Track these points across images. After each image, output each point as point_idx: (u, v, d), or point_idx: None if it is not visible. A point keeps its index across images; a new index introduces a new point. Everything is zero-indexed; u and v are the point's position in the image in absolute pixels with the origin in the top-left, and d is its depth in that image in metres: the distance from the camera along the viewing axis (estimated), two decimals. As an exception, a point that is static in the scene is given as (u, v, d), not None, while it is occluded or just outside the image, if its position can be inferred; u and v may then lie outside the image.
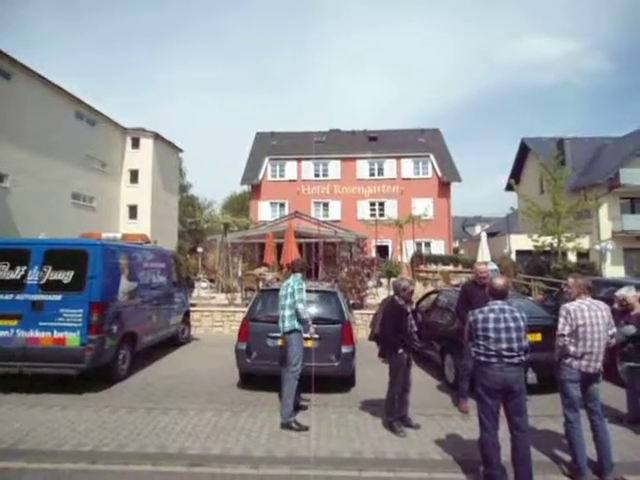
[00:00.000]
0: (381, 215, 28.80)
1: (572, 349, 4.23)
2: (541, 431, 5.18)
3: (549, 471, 4.28)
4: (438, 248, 29.66)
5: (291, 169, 32.31)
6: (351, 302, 12.13)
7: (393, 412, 5.29)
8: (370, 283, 15.17)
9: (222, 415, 5.62)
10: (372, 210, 30.78)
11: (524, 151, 34.18)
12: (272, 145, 33.65)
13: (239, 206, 48.66)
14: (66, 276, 6.69)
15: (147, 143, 34.31)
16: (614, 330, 4.45)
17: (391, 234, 21.60)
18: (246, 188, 34.48)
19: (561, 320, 4.31)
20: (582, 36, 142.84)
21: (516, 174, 34.38)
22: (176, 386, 6.97)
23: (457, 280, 16.73)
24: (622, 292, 5.74)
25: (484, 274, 6.28)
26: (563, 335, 4.25)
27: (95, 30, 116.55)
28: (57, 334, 6.51)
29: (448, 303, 7.91)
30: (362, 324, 11.55)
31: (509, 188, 30.48)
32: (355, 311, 11.71)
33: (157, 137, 34.91)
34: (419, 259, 22.04)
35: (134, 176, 33.88)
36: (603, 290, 8.26)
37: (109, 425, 5.25)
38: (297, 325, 5.52)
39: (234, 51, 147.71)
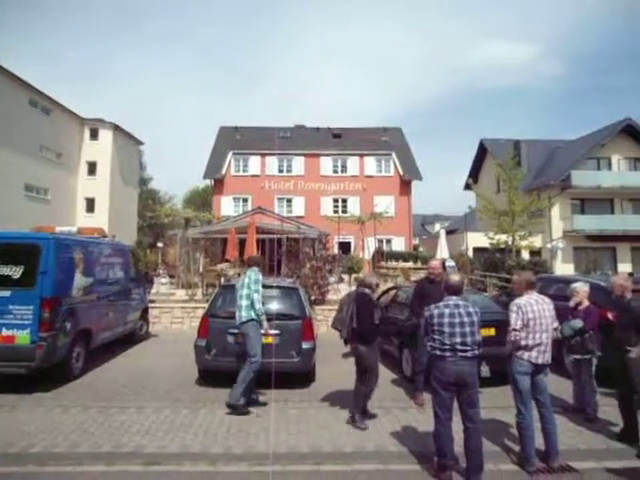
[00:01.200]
0: (344, 212, 29.03)
1: (523, 342, 4.40)
2: (493, 422, 5.37)
3: (500, 460, 4.45)
4: (399, 245, 30.17)
5: (255, 164, 32.03)
6: (313, 298, 12.20)
7: (362, 406, 5.42)
8: (332, 279, 15.29)
9: (180, 412, 5.56)
10: (335, 207, 30.97)
11: (482, 152, 35.24)
12: (236, 140, 33.24)
13: (201, 201, 47.91)
14: (16, 271, 6.43)
15: (106, 134, 33.16)
16: (557, 324, 4.68)
17: (353, 231, 21.87)
18: (209, 183, 33.95)
19: (513, 315, 4.48)
20: (538, 41, 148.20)
21: (474, 174, 35.46)
22: (133, 384, 6.83)
23: (416, 276, 17.07)
24: (577, 285, 6.03)
25: (435, 270, 6.46)
26: (516, 329, 4.42)
27: (51, 16, 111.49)
28: (6, 332, 6.25)
29: (407, 299, 8.06)
30: (323, 320, 11.64)
31: (467, 187, 31.37)
32: (317, 307, 11.80)
33: (117, 128, 33.80)
34: (380, 255, 22.37)
35: (92, 168, 32.69)
36: (553, 287, 8.64)
37: (61, 425, 5.09)
38: (253, 315, 5.64)
39: (198, 44, 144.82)
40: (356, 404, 5.40)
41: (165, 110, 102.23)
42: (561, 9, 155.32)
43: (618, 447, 4.77)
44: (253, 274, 5.83)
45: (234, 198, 31.42)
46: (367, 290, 5.67)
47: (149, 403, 5.87)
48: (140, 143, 39.15)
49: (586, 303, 5.81)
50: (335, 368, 7.88)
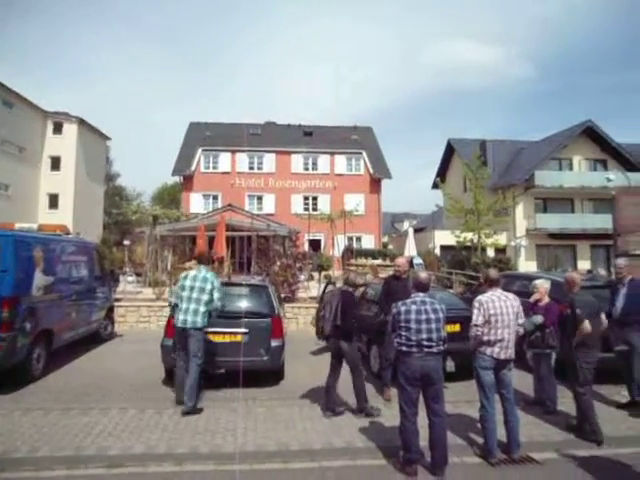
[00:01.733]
0: (314, 210, 29.05)
1: (485, 337, 4.52)
2: (458, 416, 5.50)
3: (463, 453, 4.56)
4: (368, 243, 30.45)
5: (225, 161, 31.68)
6: (283, 296, 12.19)
7: (366, 396, 5.55)
8: (302, 277, 15.30)
9: (145, 413, 5.46)
10: (306, 204, 30.95)
11: (450, 151, 35.91)
12: (206, 136, 32.75)
13: (170, 198, 47.02)
14: (-29, 270, 6.17)
15: (71, 129, 32.04)
16: (523, 320, 4.78)
17: (324, 228, 21.92)
18: (178, 179, 33.38)
19: (475, 311, 4.60)
20: (507, 44, 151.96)
21: (442, 173, 36.12)
22: (97, 384, 6.67)
23: (385, 274, 17.29)
24: (537, 282, 6.25)
25: (400, 267, 6.62)
26: (477, 325, 4.53)
27: (18, 8, 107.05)
28: (-38, 333, 5.99)
29: (375, 296, 8.16)
30: (293, 317, 11.67)
31: (435, 186, 31.88)
32: (287, 305, 11.80)
33: (82, 123, 32.72)
34: (350, 253, 22.51)
35: (55, 163, 31.50)
36: (517, 283, 8.90)
37: (20, 429, 4.92)
38: (206, 322, 5.70)
39: (169, 40, 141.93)
40: (361, 397, 5.56)
41: (134, 105, 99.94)
42: (531, 14, 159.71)
43: (575, 438, 4.95)
44: (216, 281, 5.81)
45: (204, 195, 31.01)
46: (351, 289, 5.82)
47: (113, 404, 5.74)
48: (107, 138, 38.05)
49: (546, 299, 6.02)
50: (304, 365, 7.91)
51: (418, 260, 17.71)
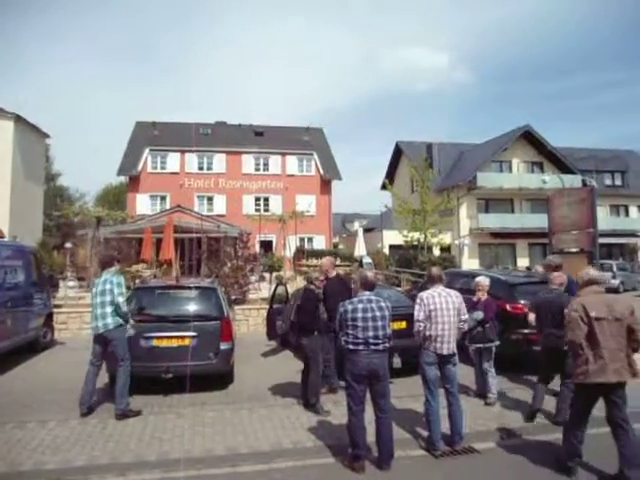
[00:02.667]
0: (266, 210, 28.91)
1: (427, 333, 4.68)
2: (404, 410, 5.65)
3: (409, 447, 4.69)
4: (320, 243, 30.64)
5: (173, 161, 30.86)
6: (233, 297, 12.06)
7: (317, 394, 5.69)
8: (253, 278, 15.21)
9: (88, 423, 5.26)
10: (257, 205, 30.72)
11: (398, 153, 36.84)
12: (153, 135, 31.75)
13: (115, 199, 45.25)
14: None
15: (6, 125, 29.98)
16: (466, 316, 4.94)
17: (275, 229, 21.84)
18: (123, 180, 32.21)
19: (416, 307, 4.76)
20: (451, 50, 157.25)
21: (391, 174, 37.01)
22: (35, 395, 6.33)
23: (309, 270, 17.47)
24: (478, 279, 6.56)
25: (325, 267, 7.00)
26: (419, 320, 4.69)
27: None
28: None
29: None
30: (244, 319, 11.58)
31: (384, 187, 32.59)
32: (237, 306, 11.69)
33: (19, 119, 30.76)
34: (301, 254, 22.59)
35: (-11, 162, 29.54)
36: (460, 280, 9.27)
37: (-52, 446, 4.62)
38: (121, 320, 5.63)
39: (114, 36, 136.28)
40: (311, 392, 5.68)
41: (77, 102, 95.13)
42: (474, 21, 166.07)
43: (514, 427, 5.21)
44: (115, 278, 5.74)
45: (151, 196, 30.09)
46: (312, 286, 6.00)
47: (53, 415, 5.48)
48: (46, 136, 36.03)
49: (485, 296, 6.33)
50: (255, 368, 7.89)
51: (367, 259, 18.06)
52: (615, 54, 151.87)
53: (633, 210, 34.47)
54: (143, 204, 29.60)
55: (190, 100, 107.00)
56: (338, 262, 21.58)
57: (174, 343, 6.30)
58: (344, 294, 5.92)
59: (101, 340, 5.63)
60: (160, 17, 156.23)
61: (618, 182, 34.87)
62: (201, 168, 31.14)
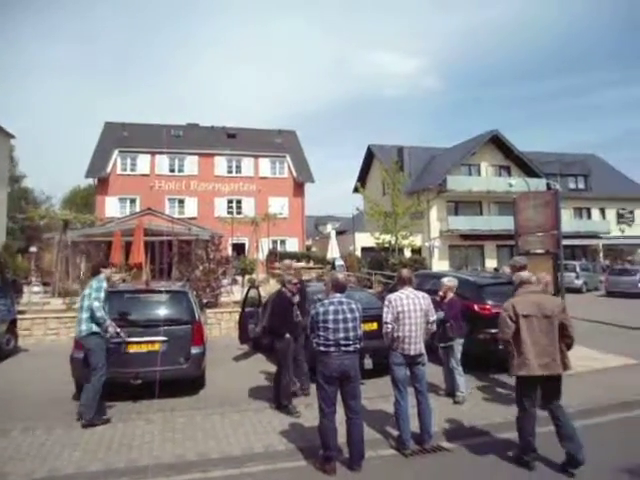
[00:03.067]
0: (238, 213, 28.73)
1: (395, 334, 4.76)
2: (375, 411, 5.71)
3: (380, 447, 4.76)
4: (292, 246, 30.62)
5: (144, 163, 30.29)
6: (205, 301, 11.95)
7: (289, 395, 5.72)
8: (225, 281, 15.08)
9: (53, 432, 5.11)
10: (230, 208, 30.49)
11: (370, 156, 37.19)
12: (123, 137, 31.09)
13: (83, 201, 44.09)
14: None
15: (-32, 126, 28.97)
16: (434, 317, 5.01)
17: (248, 232, 21.72)
18: (92, 182, 31.42)
19: (385, 309, 4.84)
20: (421, 56, 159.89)
21: (363, 177, 37.38)
22: (-4, 405, 6.12)
23: (308, 276, 17.53)
24: (444, 280, 6.72)
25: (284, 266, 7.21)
26: (387, 322, 4.77)
27: None
28: None
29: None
30: (216, 323, 11.47)
31: (356, 190, 32.86)
32: (209, 310, 11.58)
33: (-21, 119, 29.73)
34: (274, 256, 22.55)
35: (-52, 164, 28.35)
36: (430, 282, 9.43)
37: None
38: (95, 328, 5.47)
39: (83, 35, 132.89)
40: (282, 394, 5.73)
41: (43, 102, 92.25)
42: (444, 27, 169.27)
43: (482, 425, 5.32)
44: (95, 282, 5.64)
45: (120, 199, 29.46)
46: (284, 289, 6.03)
47: (15, 424, 5.29)
48: (11, 136, 34.84)
49: (450, 295, 6.48)
50: (227, 372, 7.83)
51: (340, 262, 18.17)
52: (580, 62, 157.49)
53: (595, 213, 35.76)
54: (112, 207, 28.97)
55: (161, 102, 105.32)
56: (311, 264, 21.69)
57: (143, 348, 6.20)
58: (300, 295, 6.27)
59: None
60: (128, 19, 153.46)
61: (581, 185, 36.12)
62: (172, 170, 30.70)
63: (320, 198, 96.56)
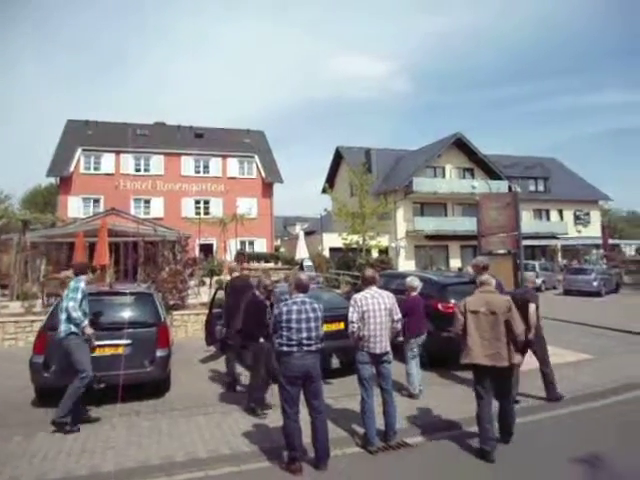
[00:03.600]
0: (206, 213, 28.40)
1: (360, 333, 4.83)
2: (341, 410, 5.78)
3: (345, 445, 4.82)
4: (261, 246, 30.47)
5: (108, 162, 29.47)
6: (171, 303, 11.79)
7: (257, 398, 5.71)
8: (192, 282, 14.90)
9: (10, 440, 4.94)
10: (197, 208, 30.10)
11: (338, 158, 37.45)
12: (86, 135, 30.15)
13: (44, 201, 42.58)
14: None
15: None
16: (399, 316, 5.09)
17: (216, 233, 21.55)
18: (53, 181, 30.38)
19: (350, 309, 4.92)
20: (392, 60, 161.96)
21: (331, 178, 37.61)
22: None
23: (277, 276, 17.51)
24: (407, 279, 6.93)
25: (230, 267, 7.51)
26: (352, 322, 4.84)
27: None
28: None
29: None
30: (182, 325, 11.34)
31: (325, 191, 33.01)
32: (175, 312, 11.44)
33: None
34: (242, 257, 22.41)
35: None
36: (395, 281, 9.61)
37: None
38: (73, 328, 5.39)
39: (44, 28, 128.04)
40: (250, 395, 5.77)
41: (1, 99, 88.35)
42: (413, 33, 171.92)
43: (442, 419, 5.50)
44: (72, 283, 5.59)
45: (84, 198, 28.60)
46: (257, 292, 6.01)
47: (-32, 434, 5.11)
48: (-35, 134, 33.37)
49: (413, 294, 6.65)
50: (193, 374, 7.76)
51: (308, 262, 18.23)
52: (541, 68, 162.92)
53: (554, 214, 37.16)
54: (75, 207, 28.08)
55: (127, 100, 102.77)
56: (279, 265, 21.66)
57: (107, 352, 6.08)
58: (246, 293, 6.40)
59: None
60: (95, 12, 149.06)
61: (541, 188, 37.44)
62: (138, 170, 30.03)
63: (289, 199, 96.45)
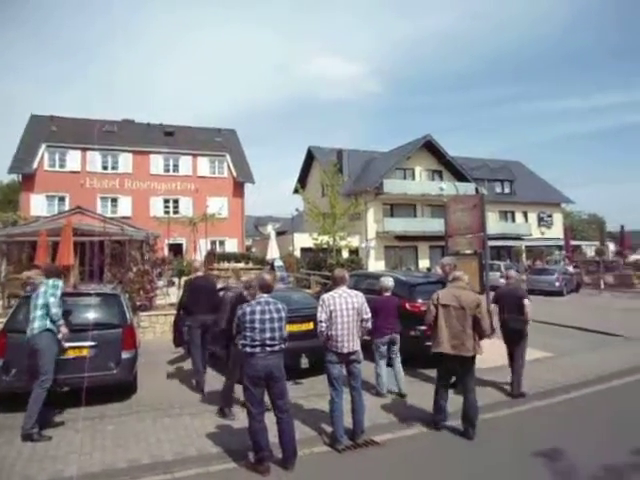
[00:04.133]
0: (175, 213, 27.97)
1: (329, 333, 4.87)
2: (310, 410, 5.80)
3: (313, 444, 4.85)
4: (232, 246, 30.19)
5: (74, 159, 28.61)
6: (139, 304, 11.58)
7: (229, 400, 5.64)
8: (161, 283, 14.67)
9: (-35, 448, 4.76)
10: (166, 207, 29.60)
11: (310, 158, 37.55)
12: (51, 131, 29.15)
13: (6, 199, 41.04)
14: None
15: None
16: (368, 315, 5.10)
17: (185, 232, 21.24)
18: (15, 178, 29.29)
19: (319, 309, 4.95)
20: (363, 62, 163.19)
21: (303, 178, 37.65)
22: None
23: (248, 277, 17.41)
24: (381, 279, 7.04)
25: (194, 266, 7.87)
26: (321, 321, 4.88)
27: None
28: None
29: (233, 299, 8.18)
30: (150, 326, 11.15)
31: (296, 191, 33.03)
32: (143, 313, 11.25)
33: None
34: (212, 257, 22.17)
35: None
36: (366, 281, 9.71)
37: None
38: (49, 324, 5.26)
39: (10, 22, 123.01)
40: (223, 396, 5.70)
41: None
42: (385, 36, 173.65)
43: (409, 417, 5.59)
44: (51, 281, 5.49)
45: (48, 196, 27.69)
46: (245, 292, 5.86)
47: None
48: None
49: (386, 294, 6.79)
50: (160, 376, 7.65)
51: (279, 262, 18.17)
52: (507, 73, 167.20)
53: (519, 216, 38.34)
54: (39, 205, 27.15)
55: (94, 95, 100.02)
56: (250, 265, 21.51)
57: (71, 354, 5.92)
58: (208, 292, 6.71)
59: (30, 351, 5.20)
60: (63, 6, 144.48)
61: (507, 190, 38.52)
62: (105, 167, 29.31)
63: (261, 198, 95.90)
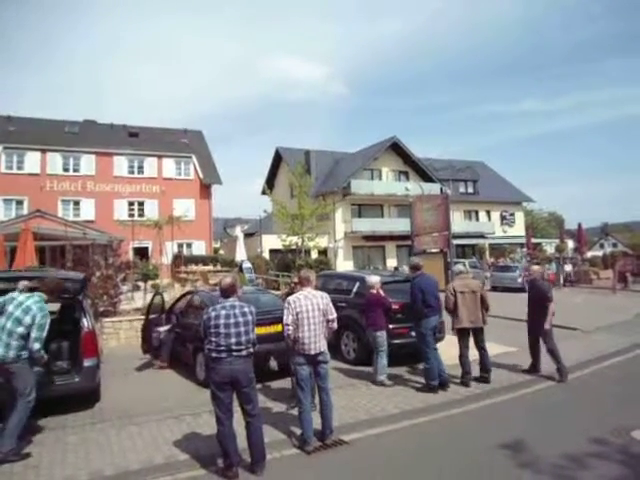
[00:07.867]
0: (141, 215, 27.40)
1: (295, 335, 4.85)
2: (279, 413, 5.78)
3: (283, 447, 4.82)
4: (199, 249, 29.79)
5: (33, 161, 27.55)
6: (102, 309, 11.27)
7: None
8: (125, 288, 14.31)
9: None
10: (131, 210, 28.91)
11: (278, 159, 37.43)
12: (8, 131, 27.98)
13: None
14: None
15: None
16: (334, 315, 5.06)
17: (151, 235, 20.80)
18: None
19: (285, 311, 4.93)
20: (327, 63, 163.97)
21: (271, 179, 37.48)
22: None
23: (216, 279, 17.20)
24: (366, 278, 7.41)
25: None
26: (287, 324, 4.85)
27: None
28: None
29: (202, 303, 8.09)
30: (114, 332, 10.86)
31: (264, 192, 32.87)
32: (106, 319, 10.95)
33: None
34: (179, 260, 21.82)
35: None
36: (334, 281, 9.77)
37: None
38: (25, 355, 4.86)
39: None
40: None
41: None
42: (351, 38, 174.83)
43: (378, 416, 5.64)
44: (40, 311, 4.96)
45: (5, 200, 26.62)
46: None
47: None
48: None
49: (372, 291, 7.10)
50: (125, 383, 7.47)
51: (247, 264, 18.06)
52: (467, 78, 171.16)
53: (482, 215, 39.34)
54: (-5, 209, 26.08)
55: (55, 96, 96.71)
56: (218, 267, 21.26)
57: (29, 363, 5.71)
58: None
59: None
60: (24, 5, 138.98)
61: (471, 190, 39.46)
62: (66, 169, 28.37)
63: (230, 200, 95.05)
